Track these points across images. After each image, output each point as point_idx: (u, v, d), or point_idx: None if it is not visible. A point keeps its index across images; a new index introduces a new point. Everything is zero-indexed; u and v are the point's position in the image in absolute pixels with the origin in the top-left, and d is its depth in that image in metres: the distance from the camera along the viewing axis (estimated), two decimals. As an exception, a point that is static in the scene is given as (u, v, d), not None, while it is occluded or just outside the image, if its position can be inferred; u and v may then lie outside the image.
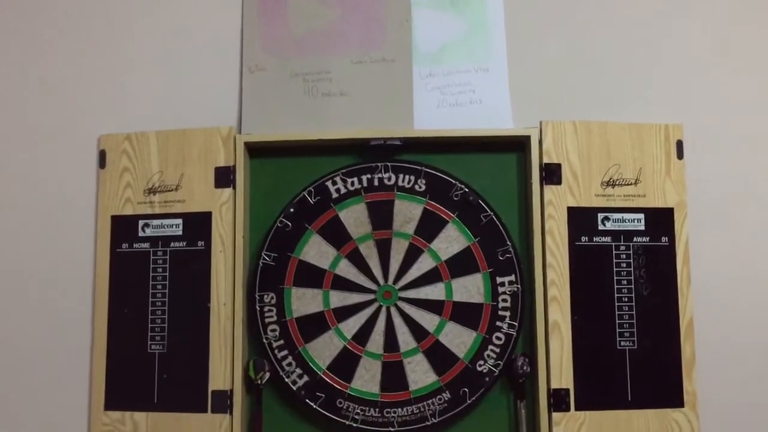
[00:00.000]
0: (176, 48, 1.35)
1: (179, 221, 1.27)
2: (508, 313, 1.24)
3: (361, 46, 1.33)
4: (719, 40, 1.33)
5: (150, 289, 1.26)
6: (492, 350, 1.23)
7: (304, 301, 1.25)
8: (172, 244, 1.27)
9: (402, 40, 1.33)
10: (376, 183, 1.27)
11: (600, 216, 1.25)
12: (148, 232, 1.28)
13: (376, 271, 1.26)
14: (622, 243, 1.25)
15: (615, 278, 1.24)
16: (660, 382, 1.22)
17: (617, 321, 1.23)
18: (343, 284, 1.25)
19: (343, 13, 1.34)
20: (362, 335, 1.24)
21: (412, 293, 1.25)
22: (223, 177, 1.27)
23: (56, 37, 1.36)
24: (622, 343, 1.22)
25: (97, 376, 1.25)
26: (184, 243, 1.26)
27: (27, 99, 1.35)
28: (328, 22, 1.34)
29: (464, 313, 1.24)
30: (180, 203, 1.27)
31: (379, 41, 1.33)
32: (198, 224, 1.26)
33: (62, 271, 1.30)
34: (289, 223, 1.27)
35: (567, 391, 1.20)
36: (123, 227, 1.28)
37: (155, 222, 1.28)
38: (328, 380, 1.24)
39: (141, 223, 1.28)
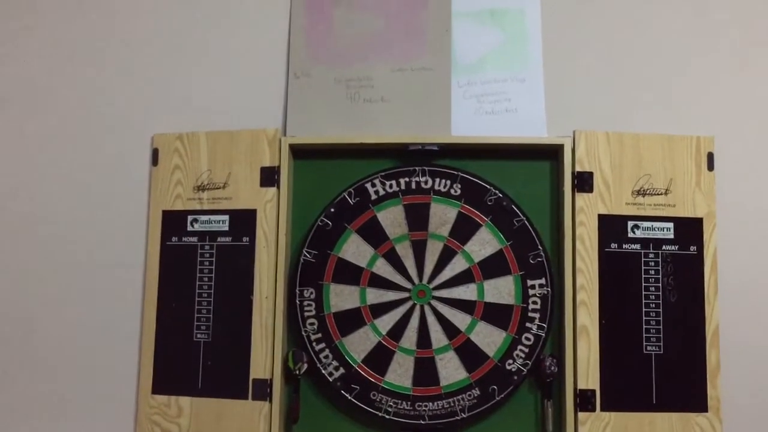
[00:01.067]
0: (227, 53, 1.42)
1: (226, 217, 1.33)
2: (537, 315, 1.28)
3: (402, 54, 1.38)
4: (750, 54, 1.36)
5: (197, 281, 1.33)
6: (521, 350, 1.28)
7: (342, 297, 1.31)
8: (218, 239, 1.33)
9: (442, 50, 1.38)
10: (413, 186, 1.33)
11: (630, 224, 1.29)
12: (197, 227, 1.34)
13: (412, 270, 1.31)
14: (651, 251, 1.28)
15: (643, 285, 1.27)
16: (684, 386, 1.25)
17: (644, 326, 1.26)
18: (379, 282, 1.31)
19: (385, 22, 1.39)
20: (396, 331, 1.30)
21: (445, 293, 1.30)
22: (268, 176, 1.33)
23: (116, 41, 1.44)
24: (649, 348, 1.26)
25: (146, 362, 1.32)
26: (230, 238, 1.33)
27: (86, 100, 1.43)
28: (371, 32, 1.39)
29: (495, 314, 1.29)
30: (227, 200, 1.34)
31: (420, 51, 1.38)
32: (243, 221, 1.32)
33: (115, 262, 1.37)
34: (330, 222, 1.33)
35: (593, 392, 1.24)
36: (173, 222, 1.35)
37: (203, 218, 1.34)
38: (362, 373, 1.29)
39: (190, 218, 1.35)
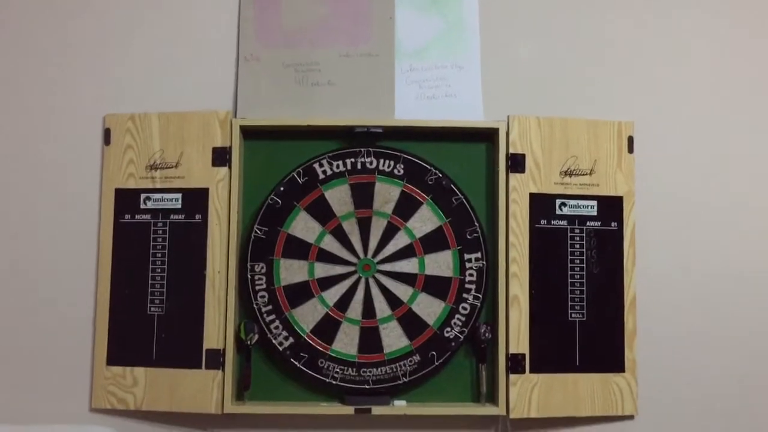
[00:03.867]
0: (178, 36, 1.45)
1: (179, 196, 1.38)
2: (473, 287, 1.38)
3: (348, 40, 1.45)
4: (668, 46, 1.47)
5: (150, 257, 1.37)
6: (458, 319, 1.38)
7: (292, 271, 1.38)
8: (171, 217, 1.38)
9: (386, 37, 1.45)
10: (359, 166, 1.40)
11: (558, 202, 1.39)
12: (149, 205, 1.39)
13: (357, 246, 1.39)
14: (576, 226, 1.39)
15: (569, 258, 1.38)
16: (605, 350, 1.37)
17: (569, 295, 1.38)
18: (326, 257, 1.38)
19: (332, 9, 1.46)
20: (343, 303, 1.38)
21: (388, 267, 1.39)
22: (220, 156, 1.38)
23: (67, 22, 1.45)
24: (573, 315, 1.37)
25: (100, 335, 1.36)
26: (183, 216, 1.38)
27: (38, 81, 1.45)
28: (319, 18, 1.45)
29: (435, 286, 1.38)
30: (179, 179, 1.39)
31: (365, 37, 1.45)
32: (196, 199, 1.37)
33: (69, 239, 1.40)
34: (279, 201, 1.39)
35: (523, 355, 1.35)
36: (126, 200, 1.39)
37: (156, 196, 1.39)
38: (311, 342, 1.37)
39: (143, 196, 1.39)
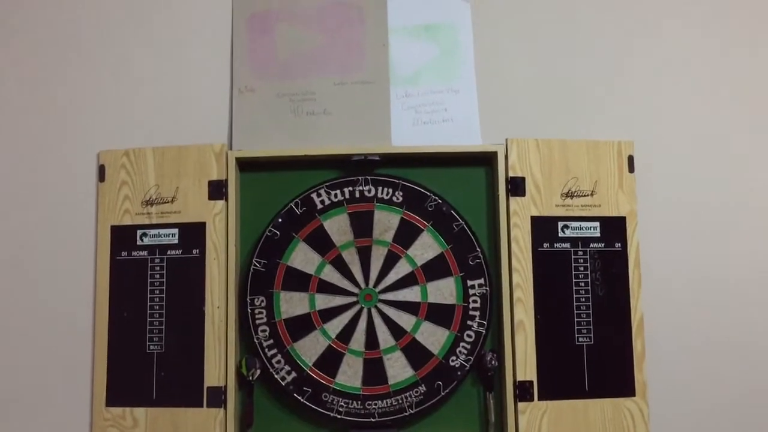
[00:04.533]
0: (171, 70, 1.45)
1: (175, 231, 1.37)
2: (477, 313, 1.36)
3: (342, 68, 1.44)
4: (665, 64, 1.47)
5: (148, 294, 1.35)
6: (463, 347, 1.35)
7: (292, 304, 1.36)
8: (168, 252, 1.36)
9: (380, 64, 1.44)
10: (357, 195, 1.39)
11: (560, 224, 1.38)
12: (146, 241, 1.37)
13: (358, 275, 1.37)
14: (579, 249, 1.38)
15: (573, 280, 1.37)
16: (614, 373, 1.34)
17: (576, 319, 1.35)
18: (327, 288, 1.36)
19: (326, 38, 1.45)
20: (345, 334, 1.35)
21: (390, 296, 1.37)
22: (216, 190, 1.37)
23: (58, 59, 1.45)
24: (580, 339, 1.35)
25: (99, 375, 1.34)
26: (180, 251, 1.36)
27: (31, 117, 1.44)
28: (312, 47, 1.45)
29: (438, 314, 1.36)
30: (176, 214, 1.37)
31: (359, 64, 1.44)
32: (193, 233, 1.36)
33: (65, 277, 1.39)
34: (278, 232, 1.37)
35: (531, 383, 1.32)
36: (122, 236, 1.37)
37: (152, 231, 1.37)
38: (314, 376, 1.34)
39: (139, 232, 1.37)
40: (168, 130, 1.42)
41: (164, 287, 1.36)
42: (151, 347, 1.34)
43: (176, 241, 1.36)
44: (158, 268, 1.36)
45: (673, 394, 1.38)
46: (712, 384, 1.39)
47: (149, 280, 1.36)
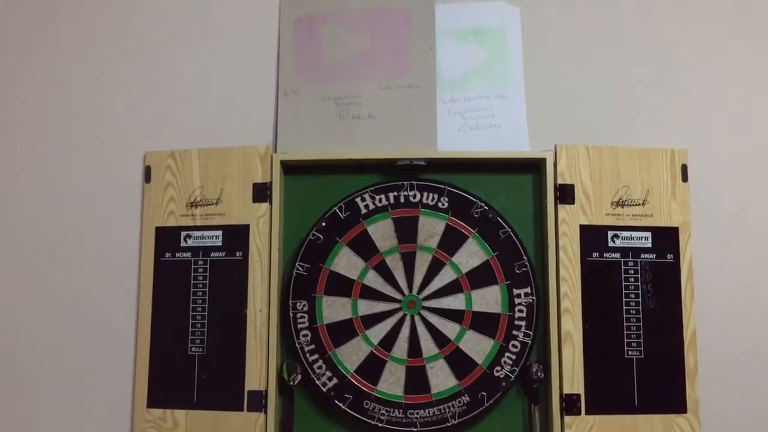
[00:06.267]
0: (217, 72, 1.45)
1: (219, 233, 1.36)
2: (523, 323, 1.33)
3: (388, 72, 1.42)
4: (720, 70, 1.42)
5: (191, 296, 1.35)
6: (508, 357, 1.32)
7: (334, 309, 1.34)
8: (212, 254, 1.36)
9: (427, 68, 1.42)
10: (402, 200, 1.37)
11: (610, 234, 1.34)
12: (190, 242, 1.37)
13: (402, 282, 1.35)
14: (630, 259, 1.34)
15: (623, 292, 1.33)
16: (664, 389, 1.30)
17: (625, 331, 1.31)
18: (370, 294, 1.35)
19: (372, 42, 1.44)
20: (388, 341, 1.33)
21: (434, 303, 1.34)
22: (260, 192, 1.36)
23: (104, 60, 1.46)
24: (630, 352, 1.31)
25: (141, 376, 1.34)
26: (224, 253, 1.36)
27: (77, 118, 1.45)
28: (358, 50, 1.44)
29: (483, 323, 1.33)
30: (220, 216, 1.37)
31: (406, 69, 1.43)
32: (236, 236, 1.35)
33: (109, 277, 1.39)
34: (321, 236, 1.36)
35: (578, 396, 1.29)
36: (166, 238, 1.37)
37: (196, 233, 1.37)
38: (355, 383, 1.32)
39: (183, 234, 1.37)
40: (213, 131, 1.42)
41: (207, 289, 1.35)
42: (193, 349, 1.34)
43: (220, 244, 1.36)
44: (201, 270, 1.36)
45: (726, 411, 1.33)
46: (767, 401, 1.33)
47: (192, 282, 1.36)
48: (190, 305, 1.35)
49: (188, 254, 1.37)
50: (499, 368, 1.32)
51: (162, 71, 1.46)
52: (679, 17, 1.44)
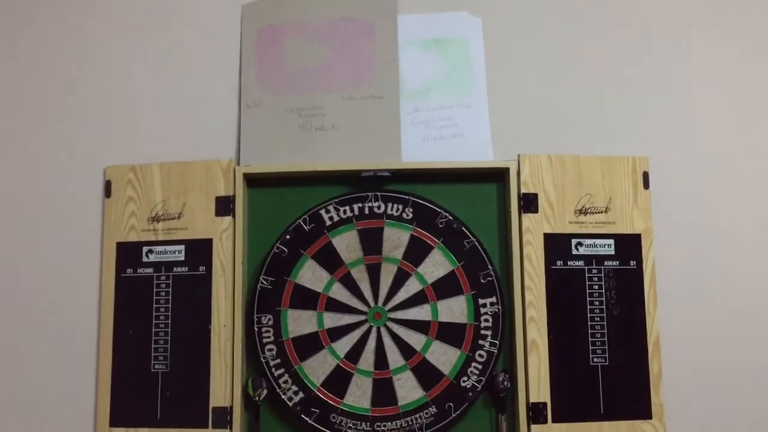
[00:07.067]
0: (178, 84, 1.43)
1: (181, 247, 1.35)
2: (489, 333, 1.33)
3: (351, 83, 1.42)
4: (680, 79, 1.44)
5: (153, 312, 1.33)
6: (475, 367, 1.32)
7: (300, 322, 1.33)
8: (174, 269, 1.34)
9: (390, 78, 1.42)
10: (366, 211, 1.36)
11: (574, 242, 1.35)
12: (152, 257, 1.35)
13: (367, 293, 1.34)
14: (594, 267, 1.35)
15: (588, 299, 1.33)
16: (630, 395, 1.31)
17: (590, 339, 1.32)
18: (336, 306, 1.34)
19: (334, 52, 1.43)
20: (354, 354, 1.32)
21: (400, 314, 1.34)
22: (223, 206, 1.35)
23: (64, 74, 1.44)
24: (595, 360, 1.32)
25: (103, 394, 1.31)
26: (186, 268, 1.34)
27: (37, 132, 1.42)
28: (321, 61, 1.43)
29: (449, 333, 1.33)
30: (182, 230, 1.35)
31: (369, 79, 1.42)
32: (199, 250, 1.34)
33: (69, 294, 1.37)
34: (286, 249, 1.35)
35: (544, 404, 1.29)
36: (128, 253, 1.35)
37: (158, 248, 1.35)
38: (322, 396, 1.31)
39: (145, 249, 1.35)
40: (175, 145, 1.41)
41: (170, 305, 1.33)
42: (156, 366, 1.32)
43: (182, 258, 1.34)
44: (164, 285, 1.34)
45: (691, 416, 1.34)
46: (730, 406, 1.35)
47: (155, 298, 1.34)
48: (153, 321, 1.33)
49: (150, 269, 1.35)
50: (465, 378, 1.32)
51: (122, 84, 1.44)
52: (639, 27, 1.45)
